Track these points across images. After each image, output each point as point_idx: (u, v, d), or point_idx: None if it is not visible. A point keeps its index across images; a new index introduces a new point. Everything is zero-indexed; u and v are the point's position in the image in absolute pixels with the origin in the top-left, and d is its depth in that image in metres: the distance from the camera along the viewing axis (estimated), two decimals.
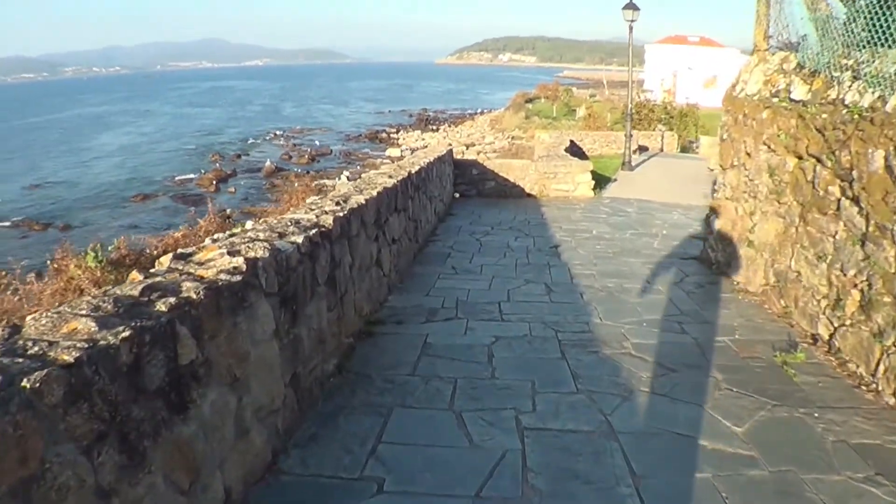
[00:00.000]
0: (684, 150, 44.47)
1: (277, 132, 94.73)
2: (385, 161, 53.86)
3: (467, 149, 70.25)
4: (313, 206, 7.57)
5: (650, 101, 54.64)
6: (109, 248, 15.15)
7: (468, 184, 20.67)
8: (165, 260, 4.71)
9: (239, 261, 4.64)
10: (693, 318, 9.27)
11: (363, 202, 8.23)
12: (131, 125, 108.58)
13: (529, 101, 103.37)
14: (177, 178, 59.52)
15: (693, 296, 10.49)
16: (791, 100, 9.85)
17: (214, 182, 55.62)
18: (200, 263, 4.61)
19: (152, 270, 4.46)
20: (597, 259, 12.95)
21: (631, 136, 30.04)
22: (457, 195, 20.50)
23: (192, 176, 59.98)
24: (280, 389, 5.30)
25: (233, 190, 52.99)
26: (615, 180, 25.40)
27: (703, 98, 69.29)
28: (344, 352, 7.30)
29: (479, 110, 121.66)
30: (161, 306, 3.69)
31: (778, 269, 9.77)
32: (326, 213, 7.10)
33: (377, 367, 7.24)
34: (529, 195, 20.72)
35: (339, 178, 38.92)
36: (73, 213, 47.44)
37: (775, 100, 10.29)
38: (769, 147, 10.27)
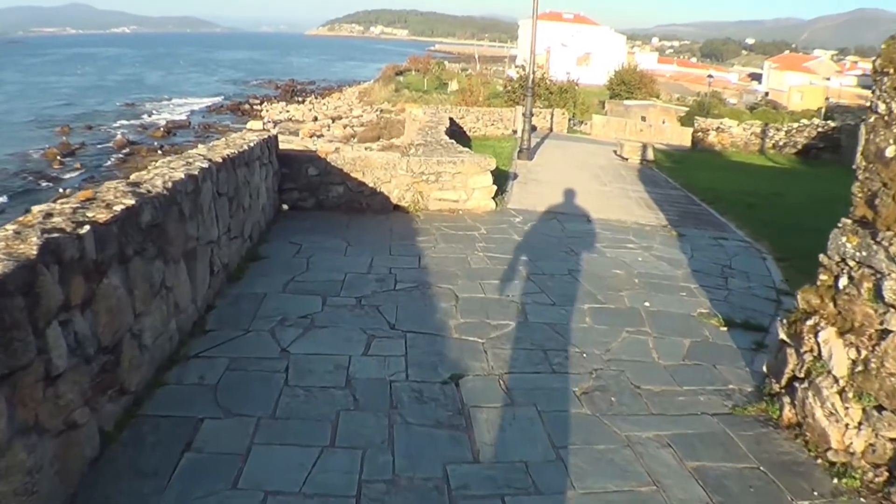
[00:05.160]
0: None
1: (135, 102, 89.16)
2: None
3: (333, 122, 64.95)
4: None
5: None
6: None
7: (303, 190, 12.57)
8: None
9: None
10: None
11: None
12: None
13: (400, 73, 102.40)
14: (19, 153, 52.23)
15: None
16: None
17: (59, 157, 49.75)
18: None
19: None
20: (561, 440, 5.22)
21: (531, 115, 22.40)
22: (285, 207, 12.49)
23: (36, 150, 53.23)
24: None
25: (79, 165, 47.53)
26: (515, 177, 17.70)
27: (575, 75, 63.40)
28: None
29: (348, 83, 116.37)
30: None
31: None
32: None
33: None
34: (398, 207, 12.76)
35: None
36: None
37: None
38: None
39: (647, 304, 8.50)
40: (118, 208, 5.01)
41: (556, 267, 9.75)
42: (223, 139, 9.97)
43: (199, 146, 8.98)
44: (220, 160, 7.91)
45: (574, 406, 5.72)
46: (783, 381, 5.72)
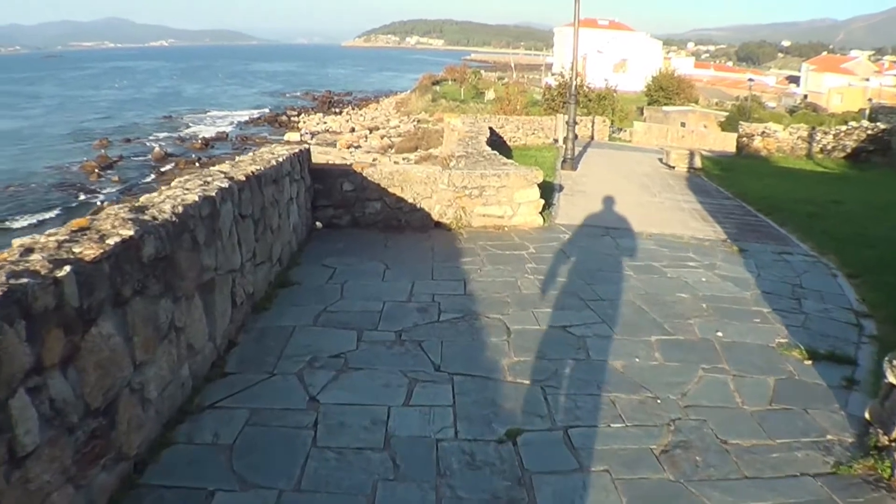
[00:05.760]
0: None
1: (173, 115, 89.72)
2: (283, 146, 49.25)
3: (370, 133, 64.45)
4: None
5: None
6: None
7: (337, 206, 11.75)
8: None
9: None
10: None
11: None
12: (15, 108, 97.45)
13: (437, 83, 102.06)
14: (57, 166, 52.67)
15: None
16: None
17: (97, 170, 50.59)
18: None
19: None
20: None
21: (575, 123, 21.45)
22: (319, 225, 11.69)
23: (75, 163, 53.50)
24: None
25: (116, 178, 47.82)
26: (561, 188, 16.75)
27: (613, 82, 62.28)
28: None
29: (384, 93, 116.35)
30: None
31: None
32: None
33: None
34: (439, 224, 11.90)
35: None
36: None
37: None
38: None
39: (719, 333, 7.54)
40: (112, 241, 4.18)
41: (615, 291, 8.82)
42: (250, 154, 9.17)
43: (224, 162, 8.18)
44: (244, 178, 7.07)
45: (653, 469, 4.79)
46: (894, 433, 4.79)
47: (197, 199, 5.60)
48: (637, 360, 6.70)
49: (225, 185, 6.43)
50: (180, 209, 5.23)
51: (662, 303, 8.48)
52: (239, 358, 6.29)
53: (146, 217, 4.84)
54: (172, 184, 6.35)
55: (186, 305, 5.37)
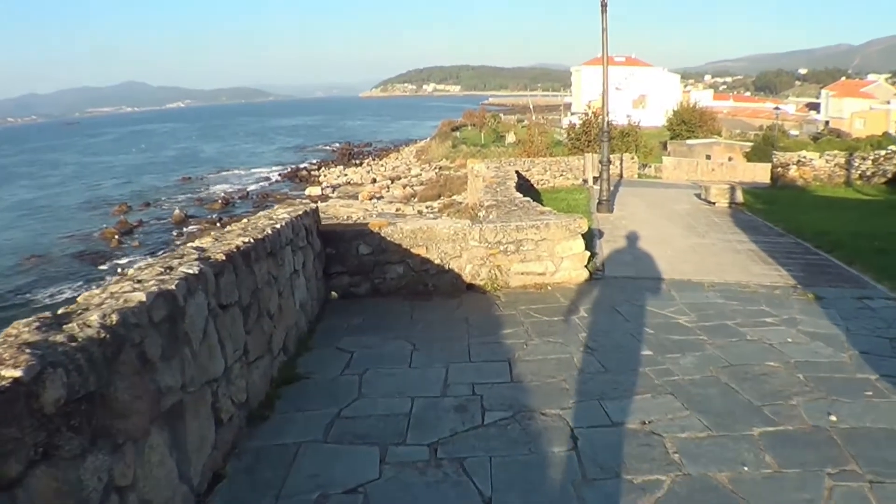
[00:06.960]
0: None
1: (192, 176, 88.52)
2: (304, 201, 47.86)
3: (392, 182, 63.62)
4: None
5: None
6: None
7: (354, 273, 10.24)
8: None
9: None
10: None
11: None
12: (34, 178, 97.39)
13: (456, 129, 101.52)
14: (78, 234, 51.78)
15: None
16: None
17: (117, 236, 49.29)
18: None
19: None
20: None
21: (609, 162, 19.90)
22: (334, 295, 10.16)
23: (95, 230, 52.46)
24: None
25: (137, 244, 46.82)
26: (601, 234, 15.18)
27: (633, 118, 60.86)
28: None
29: (404, 142, 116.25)
30: None
31: None
32: None
33: None
34: (472, 287, 10.34)
35: None
36: None
37: None
38: None
39: (832, 417, 5.87)
40: None
41: (692, 364, 7.19)
42: (242, 222, 7.62)
43: (209, 234, 6.61)
44: (223, 257, 5.48)
45: None
46: None
47: (144, 298, 4.02)
48: (745, 468, 5.06)
49: (193, 270, 4.85)
50: (114, 318, 3.65)
51: (752, 377, 6.83)
52: (225, 500, 4.68)
53: (59, 338, 3.27)
54: (129, 272, 4.80)
55: (135, 452, 3.76)
